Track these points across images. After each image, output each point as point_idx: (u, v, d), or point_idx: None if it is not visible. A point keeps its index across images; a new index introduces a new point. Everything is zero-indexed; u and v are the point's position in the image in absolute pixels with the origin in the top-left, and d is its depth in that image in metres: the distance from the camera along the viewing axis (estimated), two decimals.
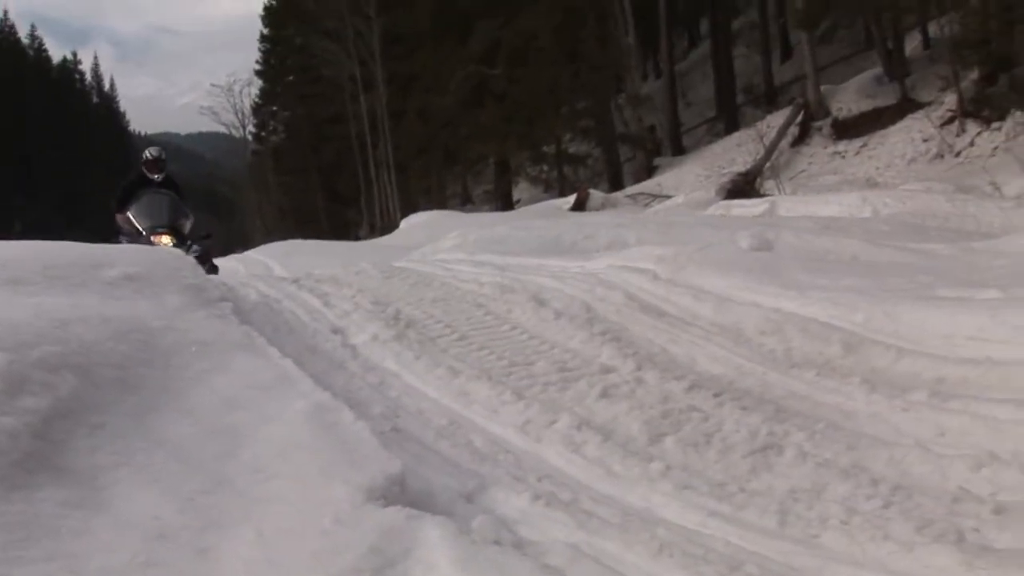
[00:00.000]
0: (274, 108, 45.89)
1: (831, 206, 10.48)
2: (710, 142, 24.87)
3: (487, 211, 26.31)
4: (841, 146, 18.17)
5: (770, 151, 18.57)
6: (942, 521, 2.37)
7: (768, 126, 19.79)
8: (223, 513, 2.24)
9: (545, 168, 27.63)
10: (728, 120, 26.09)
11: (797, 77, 23.62)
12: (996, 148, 14.15)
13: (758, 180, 17.38)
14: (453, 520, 2.23)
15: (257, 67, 44.90)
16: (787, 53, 28.85)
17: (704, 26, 35.51)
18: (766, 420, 3.16)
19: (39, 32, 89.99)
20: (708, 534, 2.43)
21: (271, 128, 47.01)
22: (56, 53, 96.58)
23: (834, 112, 19.26)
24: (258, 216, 45.67)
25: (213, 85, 70.14)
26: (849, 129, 18.33)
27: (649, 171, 23.94)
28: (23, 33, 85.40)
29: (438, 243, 8.34)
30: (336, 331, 4.47)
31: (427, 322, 4.64)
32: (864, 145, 17.50)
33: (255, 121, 47.44)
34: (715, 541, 2.37)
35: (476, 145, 27.18)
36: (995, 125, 14.58)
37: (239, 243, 30.17)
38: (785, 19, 26.97)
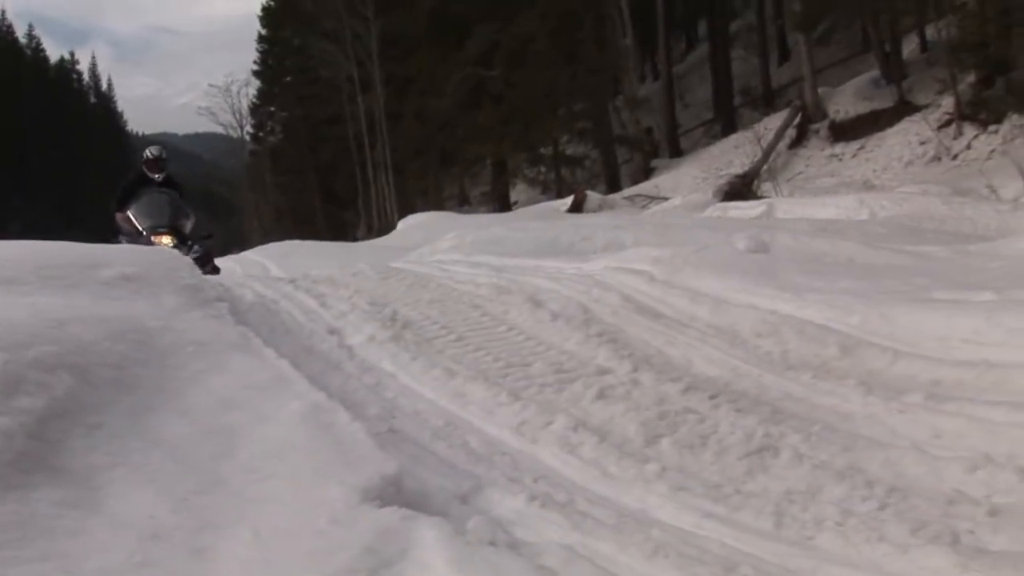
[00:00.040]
0: (272, 109, 45.91)
1: (828, 208, 10.49)
2: (707, 144, 24.90)
3: (484, 212, 26.31)
4: (838, 148, 18.20)
5: (767, 153, 18.59)
6: (937, 523, 2.37)
7: (765, 128, 19.84)
8: (219, 513, 2.24)
9: (542, 170, 27.65)
10: (725, 122, 26.12)
11: (794, 79, 23.65)
12: (993, 151, 14.18)
13: (755, 182, 17.39)
14: (448, 521, 2.23)
15: (255, 68, 44.92)
16: (785, 55, 28.93)
17: (702, 28, 35.59)
18: (762, 422, 3.16)
19: (37, 32, 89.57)
20: (703, 535, 2.43)
21: (269, 129, 47.02)
22: (54, 53, 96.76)
23: (831, 114, 19.29)
24: (255, 217, 45.62)
25: (211, 85, 69.79)
26: (846, 131, 18.36)
27: (646, 173, 23.97)
28: (21, 33, 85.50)
29: (435, 244, 8.33)
30: (332, 332, 4.47)
31: (424, 323, 4.64)
32: (861, 147, 17.53)
33: (253, 122, 47.42)
34: (710, 542, 2.38)
35: (473, 147, 27.21)
36: (992, 128, 14.62)
37: (236, 243, 30.12)
38: (783, 21, 27.05)
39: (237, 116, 46.98)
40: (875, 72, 20.08)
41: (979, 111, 14.93)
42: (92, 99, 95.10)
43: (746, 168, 18.10)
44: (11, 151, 69.79)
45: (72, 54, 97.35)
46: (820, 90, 20.04)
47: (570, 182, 25.66)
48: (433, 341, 4.33)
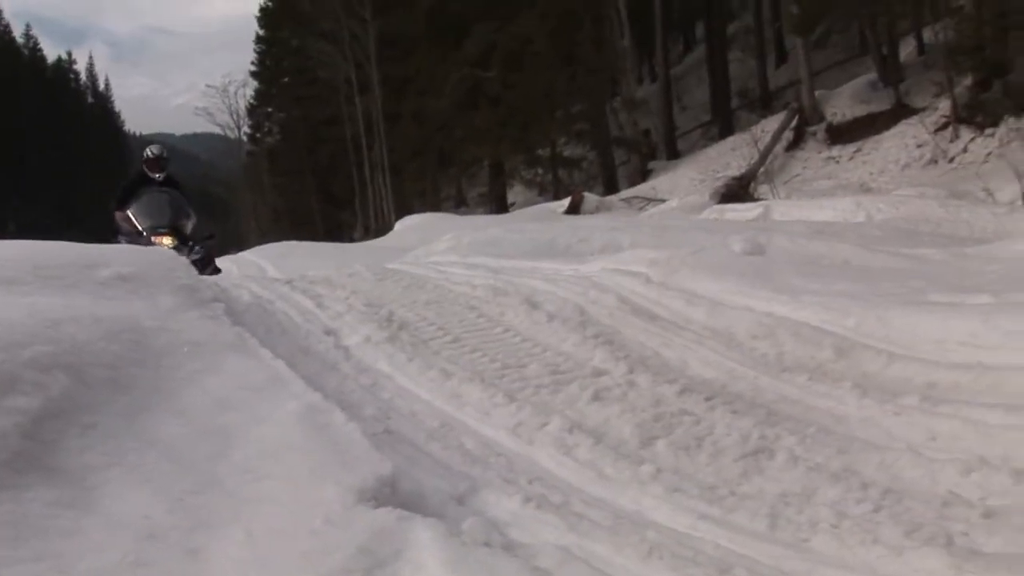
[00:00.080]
0: (269, 109, 45.92)
1: (825, 211, 10.49)
2: (705, 146, 24.93)
3: (481, 214, 26.32)
4: (835, 151, 18.22)
5: (764, 155, 18.60)
6: (932, 525, 2.38)
7: (763, 130, 19.86)
8: (213, 513, 2.24)
9: (540, 171, 27.67)
10: (723, 124, 26.15)
11: (792, 82, 23.71)
12: (989, 154, 14.20)
13: (752, 184, 17.40)
14: (444, 522, 2.23)
15: (252, 68, 44.88)
16: (782, 58, 28.98)
17: (699, 30, 35.68)
18: (757, 424, 3.17)
19: (34, 32, 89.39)
20: (698, 537, 2.43)
21: (266, 129, 47.02)
22: (51, 53, 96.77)
23: (828, 117, 19.31)
24: (253, 217, 45.59)
25: (208, 86, 70.05)
26: (843, 134, 18.38)
27: (644, 175, 23.98)
28: (18, 32, 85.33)
29: (432, 245, 8.34)
30: (329, 332, 4.46)
31: (420, 324, 4.63)
32: (858, 150, 17.55)
33: (250, 122, 47.42)
34: (705, 544, 2.38)
35: (471, 148, 27.22)
36: (988, 131, 14.63)
37: (234, 244, 30.08)
38: (780, 24, 27.12)
39: (235, 117, 47.07)
40: (872, 75, 20.12)
41: (976, 114, 14.95)
42: (89, 99, 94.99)
43: (743, 170, 18.11)
44: (9, 151, 69.65)
45: (69, 54, 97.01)
46: (817, 92, 20.06)
47: (567, 184, 25.68)
48: (429, 342, 4.33)
